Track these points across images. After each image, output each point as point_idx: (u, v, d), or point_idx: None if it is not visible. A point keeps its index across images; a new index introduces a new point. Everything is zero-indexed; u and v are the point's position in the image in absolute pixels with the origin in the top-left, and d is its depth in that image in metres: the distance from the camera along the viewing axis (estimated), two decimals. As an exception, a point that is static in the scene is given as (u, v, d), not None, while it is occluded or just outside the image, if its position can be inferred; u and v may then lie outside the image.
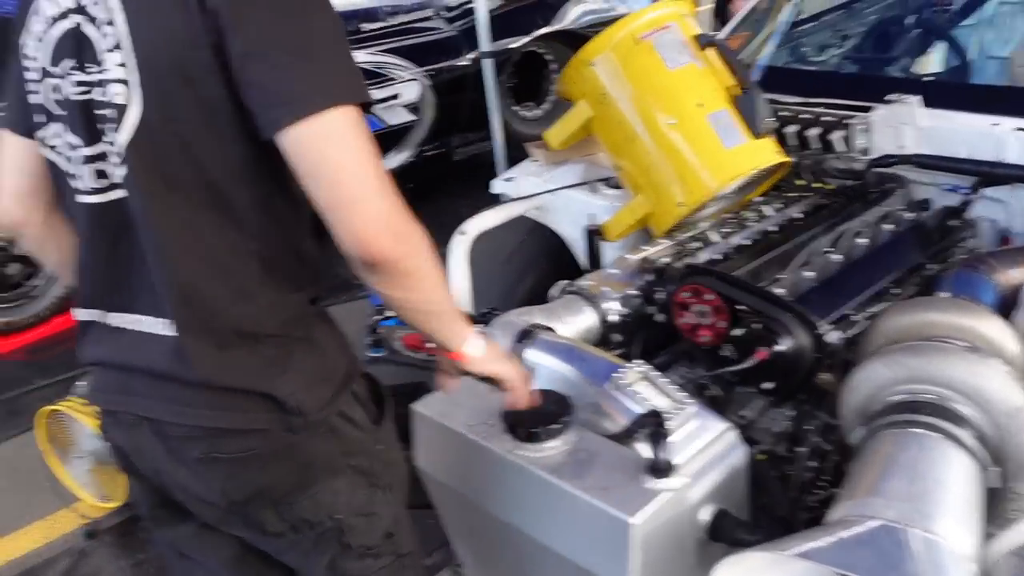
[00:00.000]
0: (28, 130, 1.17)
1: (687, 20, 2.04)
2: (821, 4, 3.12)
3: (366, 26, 4.77)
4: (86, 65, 1.07)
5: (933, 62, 2.89)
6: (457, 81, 4.85)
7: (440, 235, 1.52)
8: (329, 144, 0.98)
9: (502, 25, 4.02)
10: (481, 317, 1.67)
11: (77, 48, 1.08)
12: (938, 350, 1.32)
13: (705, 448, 1.32)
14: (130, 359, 1.14)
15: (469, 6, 4.98)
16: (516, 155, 4.00)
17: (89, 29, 1.06)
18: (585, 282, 1.78)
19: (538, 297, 1.83)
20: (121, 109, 1.04)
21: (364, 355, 1.87)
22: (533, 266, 2.29)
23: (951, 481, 1.14)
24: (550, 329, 1.60)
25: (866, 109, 2.10)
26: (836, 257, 1.78)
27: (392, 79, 4.63)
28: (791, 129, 2.18)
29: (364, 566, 1.26)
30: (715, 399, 1.61)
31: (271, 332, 1.11)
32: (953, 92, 2.33)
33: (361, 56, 4.41)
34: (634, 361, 1.43)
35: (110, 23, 1.04)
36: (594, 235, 2.07)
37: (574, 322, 1.70)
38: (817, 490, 1.51)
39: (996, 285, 1.60)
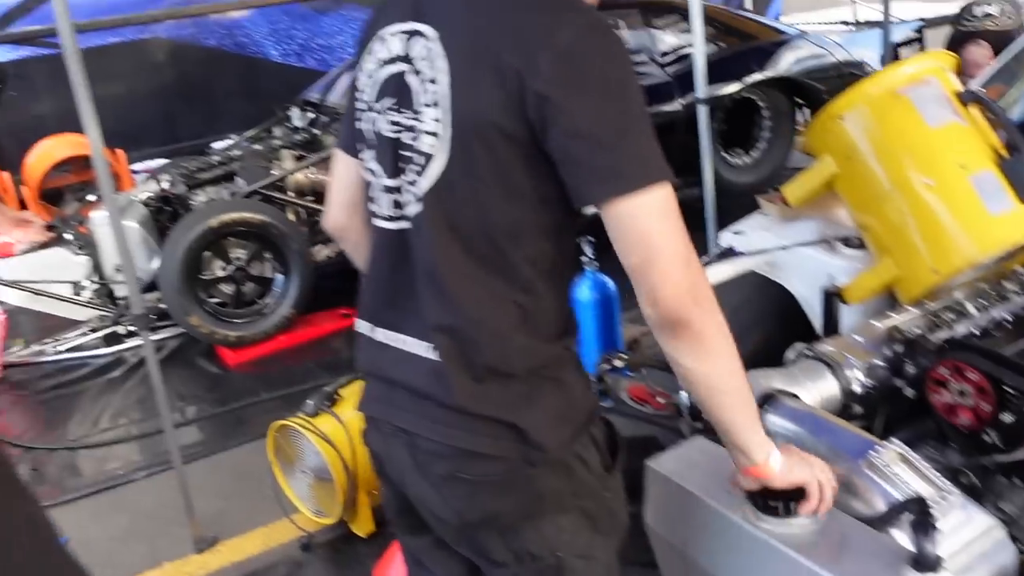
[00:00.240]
0: (352, 150, 1.33)
1: (948, 74, 1.92)
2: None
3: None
4: (402, 109, 1.19)
5: None
6: (667, 126, 4.82)
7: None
8: (646, 217, 1.07)
9: (715, 70, 3.97)
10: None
11: (398, 92, 1.19)
12: None
13: (971, 544, 1.21)
14: (394, 374, 1.25)
15: (682, 52, 4.96)
16: (722, 203, 3.93)
17: (412, 80, 1.17)
18: (826, 347, 1.69)
19: (764, 356, 1.75)
20: (428, 157, 1.16)
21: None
22: (760, 324, 2.20)
23: None
24: (793, 395, 1.53)
25: None
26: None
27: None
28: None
29: None
30: (971, 488, 1.48)
31: (523, 372, 1.18)
32: None
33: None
34: (891, 440, 1.34)
35: (433, 81, 1.14)
36: (832, 297, 1.97)
37: (814, 389, 1.61)
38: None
39: None
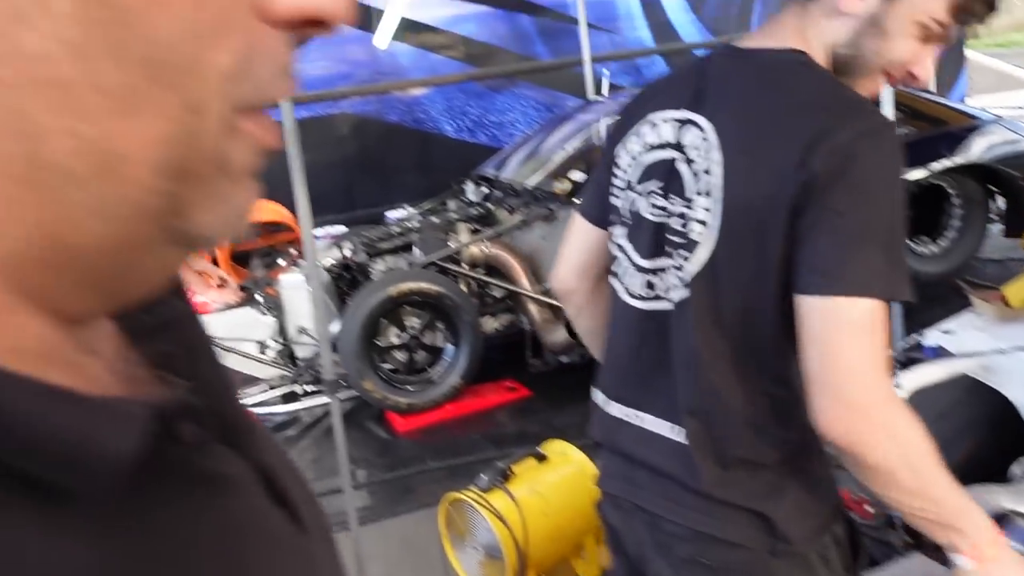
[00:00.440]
0: (599, 221, 1.37)
1: None
2: None
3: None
4: (670, 195, 1.21)
5: None
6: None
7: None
8: (840, 327, 1.04)
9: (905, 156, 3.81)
10: None
11: (666, 178, 1.21)
12: None
13: None
14: (635, 452, 1.27)
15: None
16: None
17: (683, 168, 1.19)
18: (1063, 466, 1.55)
19: (975, 467, 1.63)
20: (694, 244, 1.17)
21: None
22: (970, 432, 2.05)
23: None
24: (1029, 519, 1.40)
25: None
26: None
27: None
28: None
29: None
30: None
31: (773, 462, 1.19)
32: None
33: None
34: None
35: (707, 172, 1.16)
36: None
37: (1049, 512, 1.48)
38: None
39: None
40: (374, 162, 7.61)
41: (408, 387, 4.24)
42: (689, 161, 1.18)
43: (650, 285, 1.24)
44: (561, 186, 4.43)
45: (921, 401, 2.04)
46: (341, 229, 5.02)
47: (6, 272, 0.31)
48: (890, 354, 2.30)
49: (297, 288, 4.43)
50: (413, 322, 4.26)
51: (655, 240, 1.23)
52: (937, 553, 1.25)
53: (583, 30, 6.27)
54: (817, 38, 1.17)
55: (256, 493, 0.40)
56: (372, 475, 3.81)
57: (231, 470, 0.39)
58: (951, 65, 8.21)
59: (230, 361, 4.58)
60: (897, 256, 1.07)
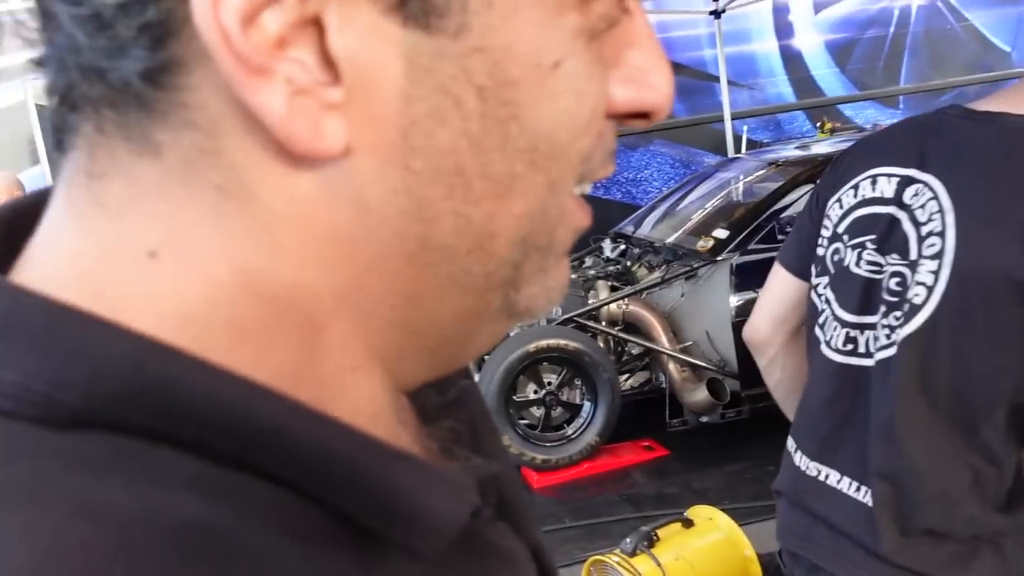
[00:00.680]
0: (800, 272, 1.35)
1: None
2: None
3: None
4: (888, 253, 1.18)
5: None
6: None
7: None
8: None
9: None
10: None
11: (884, 234, 1.19)
12: None
13: None
14: (816, 507, 1.26)
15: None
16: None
17: (907, 227, 1.16)
18: None
19: None
20: (914, 307, 1.12)
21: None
22: None
23: None
24: None
25: None
26: None
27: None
28: None
29: None
30: None
31: (961, 535, 1.15)
32: None
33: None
34: None
35: (938, 235, 1.12)
36: None
37: None
38: None
39: None
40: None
41: (545, 443, 4.22)
42: (915, 222, 1.15)
43: (851, 339, 1.22)
44: (703, 243, 4.38)
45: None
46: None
47: (369, 337, 0.33)
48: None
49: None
50: (551, 378, 4.26)
51: (864, 295, 1.20)
52: None
53: (724, 86, 6.24)
54: None
55: (531, 571, 0.42)
56: (508, 531, 3.79)
57: (511, 546, 0.40)
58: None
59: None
60: None
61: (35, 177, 5.53)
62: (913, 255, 1.14)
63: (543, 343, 4.14)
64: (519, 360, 4.12)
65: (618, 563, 2.52)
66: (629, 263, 4.96)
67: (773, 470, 1.42)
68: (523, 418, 4.25)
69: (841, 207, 1.27)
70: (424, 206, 0.31)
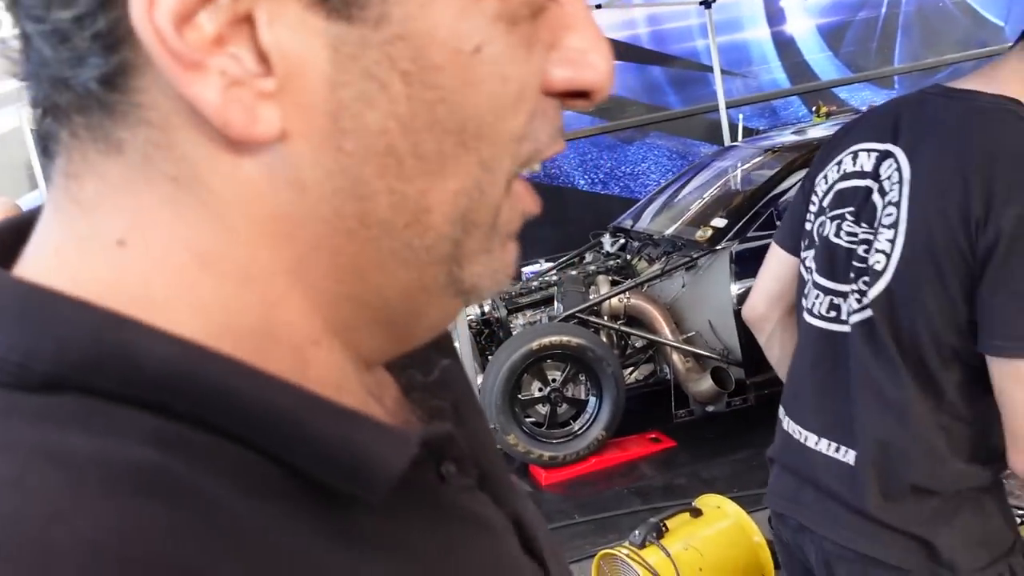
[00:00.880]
0: (793, 249, 1.40)
1: None
2: None
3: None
4: (862, 223, 1.22)
5: None
6: None
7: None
8: (1018, 386, 1.08)
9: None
10: None
11: (860, 206, 1.23)
12: None
13: None
14: (803, 470, 1.30)
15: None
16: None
17: (876, 198, 1.21)
18: None
19: None
20: (876, 274, 1.18)
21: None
22: None
23: None
24: None
25: None
26: None
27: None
28: None
29: None
30: None
31: (943, 491, 1.18)
32: None
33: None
34: None
35: (895, 205, 1.17)
36: None
37: None
38: None
39: None
40: (510, 218, 7.73)
41: (551, 440, 4.22)
42: (882, 192, 1.20)
43: (835, 307, 1.26)
44: (702, 233, 4.37)
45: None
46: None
47: (323, 311, 0.36)
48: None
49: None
50: (555, 375, 4.26)
51: (843, 264, 1.24)
52: None
53: (717, 76, 6.23)
54: None
55: (510, 541, 0.43)
56: (519, 529, 3.79)
57: (489, 514, 0.42)
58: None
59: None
60: None
61: (33, 202, 5.55)
62: (876, 224, 1.20)
63: (546, 340, 4.14)
64: (523, 358, 4.11)
65: (627, 556, 2.51)
66: (629, 257, 4.96)
67: (780, 457, 1.42)
68: (529, 416, 4.25)
69: (826, 182, 1.31)
70: (359, 184, 0.34)
